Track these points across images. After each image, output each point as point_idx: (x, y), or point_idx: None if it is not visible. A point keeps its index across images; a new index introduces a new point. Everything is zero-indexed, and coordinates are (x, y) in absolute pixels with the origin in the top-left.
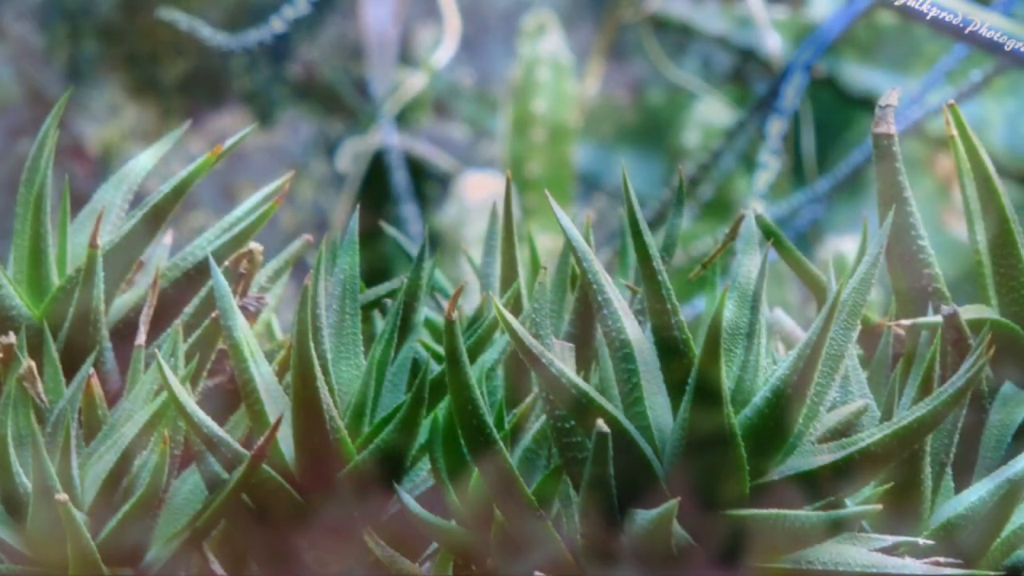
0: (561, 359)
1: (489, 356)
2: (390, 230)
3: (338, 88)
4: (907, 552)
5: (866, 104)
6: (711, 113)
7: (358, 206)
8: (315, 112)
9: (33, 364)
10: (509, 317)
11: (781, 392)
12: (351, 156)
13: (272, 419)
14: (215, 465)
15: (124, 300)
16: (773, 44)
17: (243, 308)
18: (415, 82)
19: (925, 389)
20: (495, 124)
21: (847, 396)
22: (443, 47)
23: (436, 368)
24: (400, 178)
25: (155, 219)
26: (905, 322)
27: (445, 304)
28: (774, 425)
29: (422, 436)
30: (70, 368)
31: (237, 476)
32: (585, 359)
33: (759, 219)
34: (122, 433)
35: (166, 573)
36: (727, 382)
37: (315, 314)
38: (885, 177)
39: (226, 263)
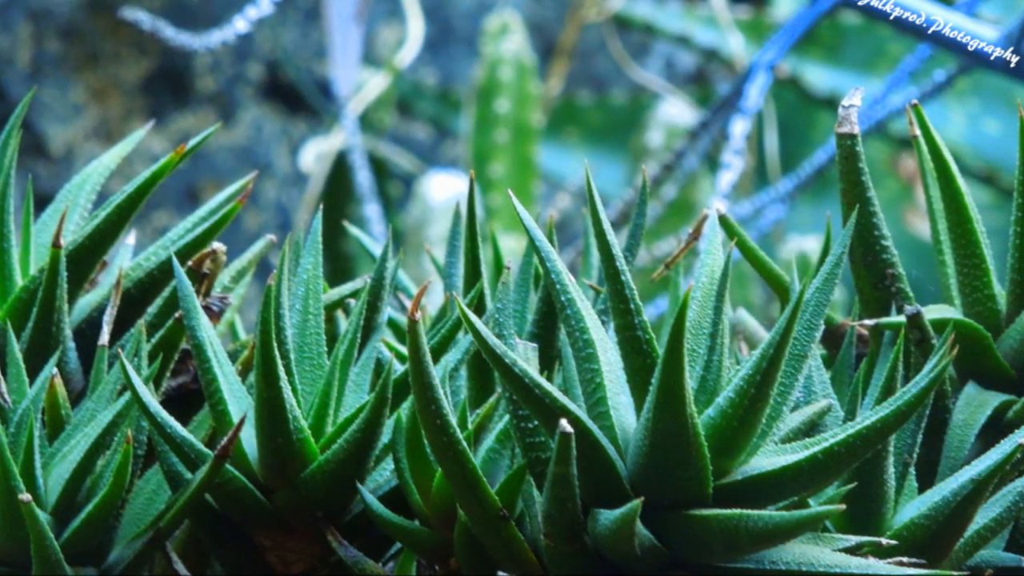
0: (524, 359)
1: (452, 356)
2: (353, 230)
3: (301, 88)
4: (871, 552)
5: (830, 104)
6: (674, 113)
7: (321, 206)
8: (278, 112)
9: None
10: (472, 317)
11: (744, 392)
12: (314, 156)
13: (235, 419)
14: (178, 465)
15: (88, 300)
16: (736, 44)
17: (206, 308)
18: (378, 82)
19: (888, 389)
20: (458, 124)
21: (810, 396)
22: (407, 47)
23: (399, 368)
24: (363, 178)
25: (119, 219)
26: (868, 322)
27: (408, 304)
28: (737, 425)
29: (385, 436)
30: (33, 368)
31: (200, 476)
32: (548, 359)
33: (722, 219)
34: (85, 433)
35: (129, 573)
36: (690, 382)
37: (278, 314)
38: (848, 177)
39: (189, 263)
